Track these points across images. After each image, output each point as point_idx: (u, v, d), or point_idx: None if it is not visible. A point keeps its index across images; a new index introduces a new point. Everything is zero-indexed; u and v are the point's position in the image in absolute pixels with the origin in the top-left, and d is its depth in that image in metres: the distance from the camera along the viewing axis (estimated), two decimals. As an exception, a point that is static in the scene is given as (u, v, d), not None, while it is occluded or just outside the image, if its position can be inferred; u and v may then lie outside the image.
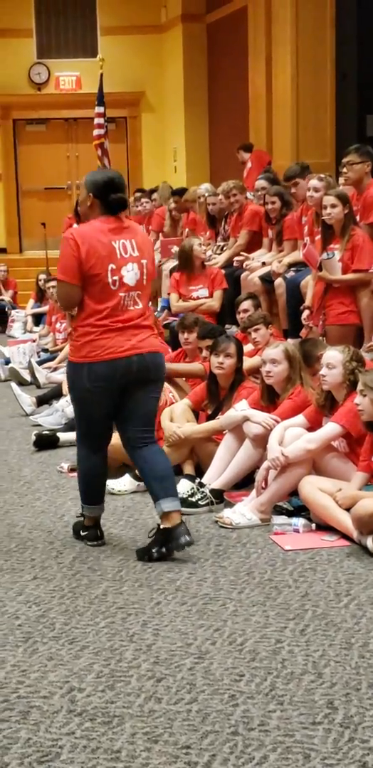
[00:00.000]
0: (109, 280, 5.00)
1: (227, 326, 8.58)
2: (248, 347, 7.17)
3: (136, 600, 4.59)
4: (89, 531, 5.41)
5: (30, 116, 18.24)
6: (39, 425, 8.19)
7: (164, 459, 5.31)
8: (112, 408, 5.18)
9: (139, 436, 5.23)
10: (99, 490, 5.41)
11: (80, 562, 5.10)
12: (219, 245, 10.43)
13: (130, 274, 5.06)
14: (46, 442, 7.56)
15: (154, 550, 5.10)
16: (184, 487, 6.01)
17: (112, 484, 6.27)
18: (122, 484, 6.28)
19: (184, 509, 5.79)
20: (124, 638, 4.18)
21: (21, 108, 18.13)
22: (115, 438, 6.45)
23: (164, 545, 5.09)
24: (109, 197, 5.11)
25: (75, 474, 6.67)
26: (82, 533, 5.44)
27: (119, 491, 6.25)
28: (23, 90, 17.83)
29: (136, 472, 6.27)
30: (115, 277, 5.02)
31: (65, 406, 8.04)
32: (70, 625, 4.32)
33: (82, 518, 5.50)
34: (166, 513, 5.11)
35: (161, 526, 5.13)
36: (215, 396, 6.49)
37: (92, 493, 5.38)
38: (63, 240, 5.12)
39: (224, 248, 10.21)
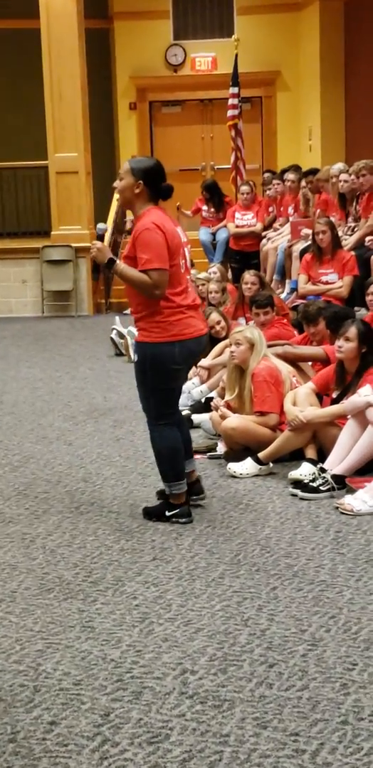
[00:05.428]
0: (181, 263, 5.24)
1: (355, 308, 8.46)
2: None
3: (253, 584, 4.60)
4: (181, 509, 5.48)
5: (166, 98, 18.33)
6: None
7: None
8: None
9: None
10: (182, 463, 5.52)
11: (199, 545, 5.14)
12: (350, 226, 10.27)
13: (187, 258, 5.37)
14: None
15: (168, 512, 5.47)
16: (305, 470, 5.97)
17: (234, 467, 6.30)
18: (244, 467, 6.28)
19: (304, 494, 5.78)
20: (238, 622, 4.20)
21: (157, 90, 18.21)
22: (238, 420, 6.50)
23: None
24: (160, 185, 5.25)
25: (198, 456, 6.74)
26: (170, 513, 5.48)
27: (241, 474, 6.26)
28: (160, 72, 17.91)
29: (258, 455, 6.30)
30: (183, 261, 5.27)
31: (191, 389, 8.09)
32: (186, 607, 4.37)
33: (161, 502, 5.59)
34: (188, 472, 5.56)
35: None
36: (342, 380, 6.41)
37: (180, 468, 5.49)
38: (146, 231, 5.10)
39: (355, 229, 10.04)
